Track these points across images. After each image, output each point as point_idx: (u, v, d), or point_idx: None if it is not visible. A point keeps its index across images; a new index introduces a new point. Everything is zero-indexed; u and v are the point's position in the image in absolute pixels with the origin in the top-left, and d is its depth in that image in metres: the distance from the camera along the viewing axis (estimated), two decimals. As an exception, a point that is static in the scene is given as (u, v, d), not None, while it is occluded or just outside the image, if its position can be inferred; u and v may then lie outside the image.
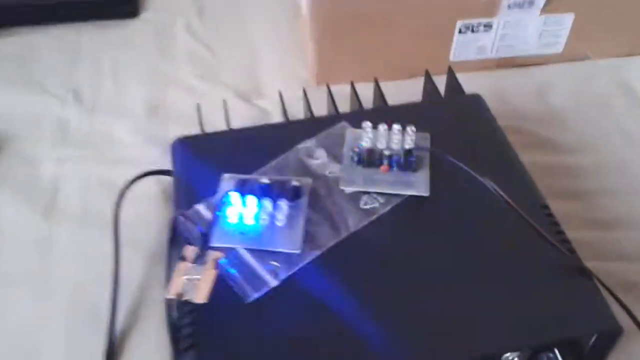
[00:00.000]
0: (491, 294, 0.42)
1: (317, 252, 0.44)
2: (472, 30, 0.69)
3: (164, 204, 0.58)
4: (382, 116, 0.51)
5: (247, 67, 0.74)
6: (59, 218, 0.59)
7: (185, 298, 0.39)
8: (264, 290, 0.42)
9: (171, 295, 0.40)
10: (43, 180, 0.62)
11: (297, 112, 0.65)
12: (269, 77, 0.73)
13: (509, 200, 0.43)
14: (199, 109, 0.58)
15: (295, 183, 0.47)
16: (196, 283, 0.40)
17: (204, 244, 0.41)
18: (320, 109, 0.62)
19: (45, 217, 0.59)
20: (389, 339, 0.40)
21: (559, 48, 0.72)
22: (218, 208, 0.43)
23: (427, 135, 0.52)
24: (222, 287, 0.42)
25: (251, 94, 0.70)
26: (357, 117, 0.53)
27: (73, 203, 0.60)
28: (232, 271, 0.43)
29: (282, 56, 0.76)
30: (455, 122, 0.54)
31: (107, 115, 0.69)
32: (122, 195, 0.54)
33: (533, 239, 0.44)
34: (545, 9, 0.68)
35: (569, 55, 0.73)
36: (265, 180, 0.47)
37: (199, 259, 0.40)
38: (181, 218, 0.44)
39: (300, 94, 0.63)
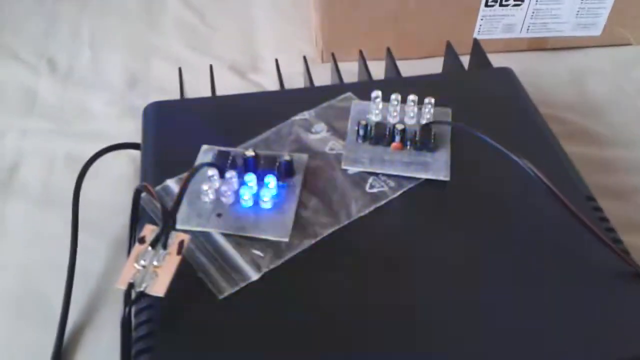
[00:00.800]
0: (528, 307, 0.33)
1: (310, 242, 0.36)
2: (501, 4, 0.60)
3: (136, 184, 0.50)
4: (395, 88, 0.43)
5: (243, 39, 0.66)
6: (17, 196, 0.51)
7: (139, 289, 0.31)
8: (242, 284, 0.33)
9: (121, 285, 0.31)
10: (4, 153, 0.54)
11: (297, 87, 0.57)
12: (267, 50, 0.65)
13: (553, 187, 0.35)
14: (180, 73, 0.49)
15: (287, 158, 0.38)
16: (155, 271, 0.31)
17: (168, 223, 0.32)
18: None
19: (1, 194, 0.51)
20: (393, 357, 0.31)
21: (597, 30, 0.63)
22: (189, 183, 0.34)
23: (448, 110, 0.43)
24: (188, 278, 0.33)
25: (246, 69, 0.62)
26: (364, 88, 0.45)
27: (34, 180, 0.52)
28: (203, 259, 0.34)
29: (284, 28, 0.68)
30: (481, 98, 0.45)
31: (81, 85, 0.61)
32: (84, 171, 0.46)
33: (579, 237, 0.35)
34: (584, -18, 0.60)
35: (608, 39, 0.64)
36: (250, 152, 0.38)
37: (161, 242, 0.32)
38: (143, 193, 0.35)
39: (302, 69, 0.55)
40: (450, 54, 0.52)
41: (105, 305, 0.43)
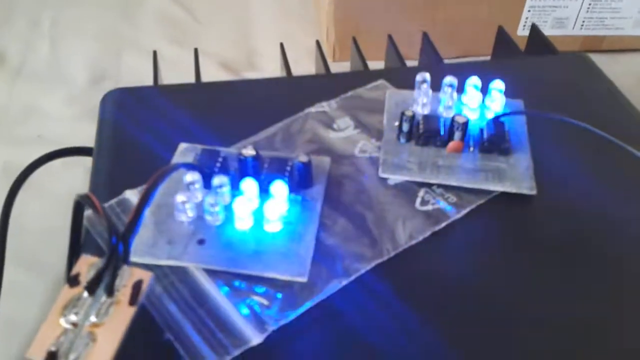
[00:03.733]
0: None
1: (339, 283, 0.23)
2: (554, -9, 0.50)
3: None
4: (440, 75, 0.31)
5: (237, 32, 0.55)
6: None
7: (64, 364, 0.19)
8: (235, 353, 0.21)
9: (34, 354, 0.19)
10: None
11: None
12: (265, 46, 0.53)
13: None
14: (155, 57, 0.38)
15: (303, 159, 0.26)
16: (93, 333, 0.19)
17: (116, 253, 0.20)
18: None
19: None
20: None
21: (665, 26, 0.53)
22: (150, 194, 0.22)
23: (519, 102, 0.32)
24: (149, 342, 0.21)
25: (240, 65, 0.51)
26: (398, 75, 0.34)
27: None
28: (174, 311, 0.22)
29: (285, 21, 0.56)
30: (557, 88, 0.34)
31: (35, 83, 0.49)
32: (18, 184, 0.33)
33: None
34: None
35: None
36: (249, 150, 0.26)
37: (104, 284, 0.20)
38: (86, 207, 0.23)
39: (309, 68, 0.44)
40: (503, 40, 0.40)
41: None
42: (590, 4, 0.51)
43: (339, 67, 0.49)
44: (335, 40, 0.50)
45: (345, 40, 0.50)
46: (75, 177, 0.39)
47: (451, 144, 0.29)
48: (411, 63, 0.44)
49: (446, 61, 0.51)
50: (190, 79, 0.39)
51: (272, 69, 0.50)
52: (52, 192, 0.38)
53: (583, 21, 0.52)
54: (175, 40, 0.53)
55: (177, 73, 0.44)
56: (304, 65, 0.49)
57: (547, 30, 0.52)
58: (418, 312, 0.23)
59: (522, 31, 0.52)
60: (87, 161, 0.38)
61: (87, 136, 0.41)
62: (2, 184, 0.39)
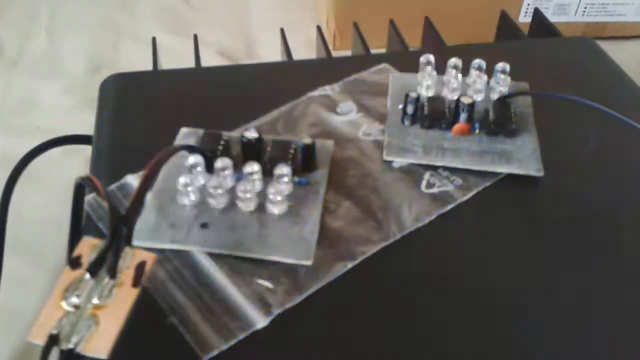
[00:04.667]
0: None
1: (345, 267, 0.23)
2: (555, -24, 0.49)
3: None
4: (444, 59, 0.31)
5: (234, 20, 0.54)
6: None
7: (67, 346, 0.18)
8: (241, 336, 0.21)
9: (36, 337, 0.18)
10: None
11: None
12: (264, 35, 0.53)
13: None
14: (154, 43, 0.37)
15: (306, 141, 0.26)
16: (95, 315, 0.19)
17: (118, 234, 0.20)
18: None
19: None
20: None
21: (667, 12, 0.52)
22: (152, 175, 0.22)
23: (524, 84, 0.31)
24: (153, 326, 0.21)
25: (239, 54, 0.50)
26: (400, 59, 0.33)
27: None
28: (178, 295, 0.22)
29: (283, 11, 0.56)
30: (563, 71, 0.33)
31: (32, 73, 0.48)
32: (17, 173, 0.33)
33: None
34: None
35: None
36: (252, 133, 0.26)
37: (106, 266, 0.19)
38: (91, 195, 0.23)
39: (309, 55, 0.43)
40: (506, 25, 0.40)
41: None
42: (592, -10, 0.50)
43: (339, 55, 0.48)
44: (335, 29, 0.50)
45: (345, 30, 0.49)
46: (74, 166, 0.39)
47: (457, 126, 0.28)
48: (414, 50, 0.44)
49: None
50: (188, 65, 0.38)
51: (271, 57, 0.50)
52: (52, 182, 0.38)
53: (585, 7, 0.51)
54: (173, 30, 0.53)
55: (175, 62, 0.44)
56: (303, 56, 0.48)
57: (549, 17, 0.51)
58: (424, 294, 0.23)
59: (524, 18, 0.51)
60: (86, 151, 0.38)
61: (86, 126, 0.41)
62: (1, 175, 0.39)
